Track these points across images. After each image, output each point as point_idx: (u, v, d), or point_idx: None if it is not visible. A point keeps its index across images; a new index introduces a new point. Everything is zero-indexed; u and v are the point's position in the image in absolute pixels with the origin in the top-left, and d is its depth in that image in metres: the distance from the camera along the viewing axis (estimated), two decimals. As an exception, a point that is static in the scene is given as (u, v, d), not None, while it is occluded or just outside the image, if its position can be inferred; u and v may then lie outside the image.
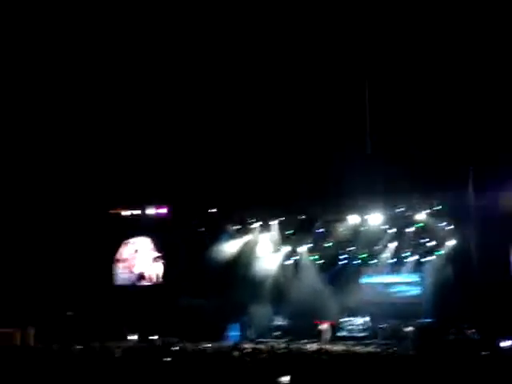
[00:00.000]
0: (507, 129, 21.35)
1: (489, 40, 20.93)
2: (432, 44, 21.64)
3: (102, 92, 24.86)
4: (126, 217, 28.29)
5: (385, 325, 26.15)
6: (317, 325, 26.86)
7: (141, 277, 28.91)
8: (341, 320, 27.16)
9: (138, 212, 28.28)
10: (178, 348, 16.89)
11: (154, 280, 28.78)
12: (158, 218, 28.10)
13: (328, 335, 26.28)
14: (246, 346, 20.07)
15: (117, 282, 28.91)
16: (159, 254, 28.69)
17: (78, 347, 15.36)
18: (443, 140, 22.45)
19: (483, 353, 17.01)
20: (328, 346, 21.49)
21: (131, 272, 28.94)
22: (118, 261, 28.98)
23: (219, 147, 25.39)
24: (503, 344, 19.63)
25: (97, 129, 25.60)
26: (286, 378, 5.72)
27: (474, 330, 21.84)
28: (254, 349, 17.59)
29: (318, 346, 21.35)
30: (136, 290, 28.46)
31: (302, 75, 23.37)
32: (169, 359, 10.71)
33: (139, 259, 29.00)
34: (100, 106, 25.23)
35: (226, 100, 24.49)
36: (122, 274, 29.05)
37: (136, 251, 29.06)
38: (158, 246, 28.70)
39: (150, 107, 25.16)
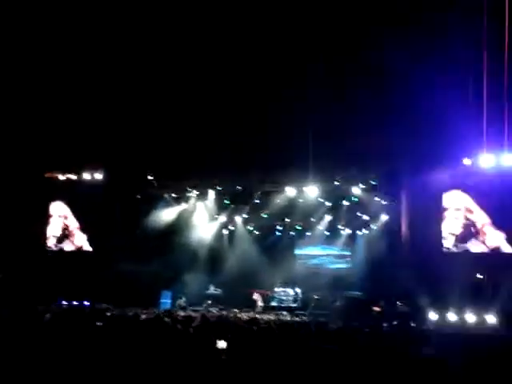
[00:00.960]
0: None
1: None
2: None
3: (38, 53, 23.98)
4: (61, 181, 27.68)
5: (316, 296, 26.59)
6: (250, 294, 27.17)
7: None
8: (273, 290, 27.51)
9: (73, 176, 27.69)
10: (109, 313, 16.72)
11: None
12: (93, 182, 27.58)
13: (261, 305, 26.64)
14: (178, 313, 20.09)
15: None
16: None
17: (5, 310, 15.03)
18: (381, 114, 22.61)
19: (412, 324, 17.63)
20: (260, 316, 21.71)
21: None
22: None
23: (157, 113, 24.97)
24: (431, 316, 20.36)
25: (36, 90, 24.74)
26: (222, 344, 5.76)
27: (401, 303, 22.46)
28: (186, 316, 17.59)
29: (251, 315, 21.53)
30: (70, 255, 28.01)
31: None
32: (100, 324, 10.62)
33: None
34: (38, 67, 24.35)
35: (162, 63, 23.91)
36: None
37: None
38: (93, 211, 28.18)
39: (89, 69, 24.43)
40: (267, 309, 26.29)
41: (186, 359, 4.75)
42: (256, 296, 26.93)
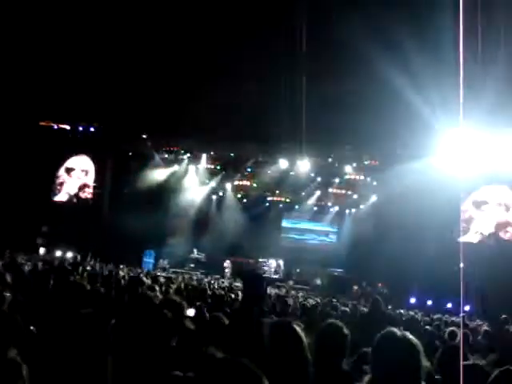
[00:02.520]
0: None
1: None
2: None
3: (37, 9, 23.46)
4: (56, 130, 27.39)
5: (297, 269, 26.71)
6: (239, 262, 27.24)
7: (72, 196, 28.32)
8: (257, 260, 27.61)
9: (68, 127, 27.44)
10: (88, 268, 16.73)
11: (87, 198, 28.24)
12: (88, 135, 27.37)
13: (229, 272, 26.64)
14: (159, 274, 20.10)
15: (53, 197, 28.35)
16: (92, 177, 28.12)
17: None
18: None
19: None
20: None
21: (63, 190, 28.31)
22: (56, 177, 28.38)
23: (156, 73, 24.64)
24: (412, 301, 20.41)
25: (31, 39, 24.27)
26: (191, 312, 5.76)
27: (381, 284, 22.59)
28: (166, 277, 17.63)
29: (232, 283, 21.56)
30: (62, 206, 27.85)
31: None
32: (77, 277, 10.63)
33: (73, 178, 28.37)
34: (33, 14, 23.82)
35: (159, 22, 23.44)
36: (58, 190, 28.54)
37: (71, 170, 28.33)
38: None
39: (87, 25, 23.92)
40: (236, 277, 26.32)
41: (152, 325, 4.74)
42: (226, 263, 26.89)
